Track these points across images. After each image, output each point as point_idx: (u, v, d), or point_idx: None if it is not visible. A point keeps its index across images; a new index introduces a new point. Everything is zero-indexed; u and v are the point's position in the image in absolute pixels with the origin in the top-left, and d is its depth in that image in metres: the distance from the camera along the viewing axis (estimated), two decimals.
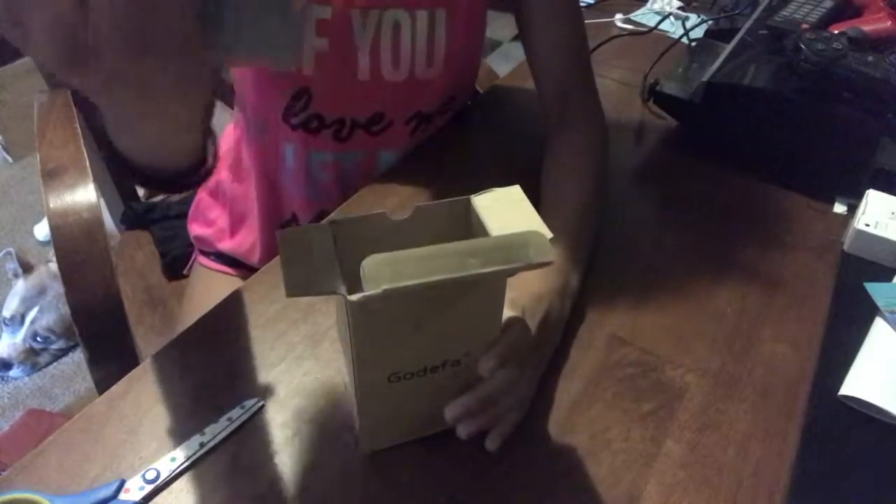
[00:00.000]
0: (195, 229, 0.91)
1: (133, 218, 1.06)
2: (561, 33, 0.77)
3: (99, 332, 0.71)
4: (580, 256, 0.64)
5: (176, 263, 0.98)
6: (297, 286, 0.40)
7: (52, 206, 0.71)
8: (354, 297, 0.38)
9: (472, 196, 0.47)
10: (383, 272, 0.37)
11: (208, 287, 0.87)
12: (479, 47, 0.83)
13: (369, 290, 0.37)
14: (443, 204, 0.48)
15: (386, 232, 0.47)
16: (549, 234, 0.42)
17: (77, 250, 0.70)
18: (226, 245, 0.87)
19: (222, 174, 0.88)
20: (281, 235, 0.42)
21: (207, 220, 0.90)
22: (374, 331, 0.42)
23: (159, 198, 1.12)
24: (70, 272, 0.69)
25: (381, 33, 0.70)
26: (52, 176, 0.75)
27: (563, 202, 0.68)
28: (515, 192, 0.47)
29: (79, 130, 0.82)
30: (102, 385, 0.56)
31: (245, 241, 0.86)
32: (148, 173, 0.44)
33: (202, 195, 0.92)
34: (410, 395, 0.47)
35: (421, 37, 0.72)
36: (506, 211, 0.46)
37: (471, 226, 0.48)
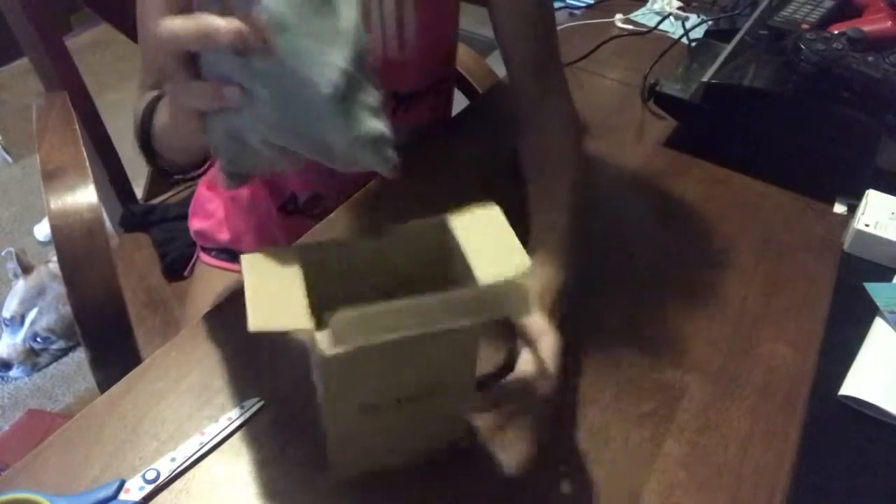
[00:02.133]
0: (195, 224, 0.91)
1: (131, 220, 1.06)
2: (528, 11, 0.76)
3: (101, 333, 0.71)
4: (574, 246, 0.64)
5: (176, 265, 0.98)
6: (262, 319, 0.37)
7: (53, 207, 0.71)
8: (327, 352, 0.37)
9: (448, 216, 0.46)
10: (353, 330, 0.36)
11: (211, 285, 0.87)
12: (452, 25, 0.84)
13: (339, 349, 0.36)
14: (418, 225, 0.46)
15: (360, 255, 0.46)
16: (526, 261, 0.41)
17: (78, 251, 0.70)
18: (224, 235, 0.88)
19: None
20: (246, 260, 0.41)
21: (207, 212, 0.91)
22: (346, 373, 0.41)
23: (158, 200, 1.12)
24: (72, 273, 0.69)
25: None
26: (53, 177, 0.75)
27: (556, 191, 0.67)
28: (494, 212, 0.46)
29: (78, 132, 0.82)
30: (105, 385, 0.56)
31: (237, 227, 0.87)
32: (173, 169, 0.60)
33: (201, 189, 0.92)
34: (382, 427, 0.46)
35: (390, 20, 0.73)
36: (483, 232, 0.45)
37: (449, 246, 0.46)
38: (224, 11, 0.38)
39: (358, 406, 0.43)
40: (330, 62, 0.39)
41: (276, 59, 0.38)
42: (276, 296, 0.39)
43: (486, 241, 0.44)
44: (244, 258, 0.41)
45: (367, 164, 0.41)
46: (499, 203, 0.47)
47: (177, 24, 0.39)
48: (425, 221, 0.46)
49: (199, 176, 0.63)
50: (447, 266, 0.46)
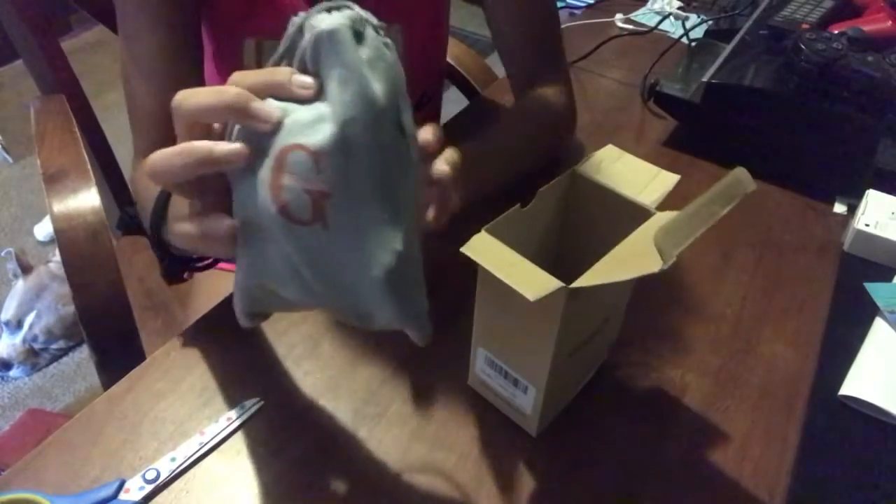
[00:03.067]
0: None
1: (130, 223, 1.06)
2: (525, 16, 0.76)
3: (107, 335, 0.71)
4: (499, 166, 0.66)
5: (175, 267, 0.97)
6: (534, 288, 0.39)
7: (56, 210, 0.71)
8: (663, 266, 0.38)
9: (575, 168, 0.51)
10: (669, 241, 0.39)
11: (210, 286, 0.87)
12: (441, 56, 0.83)
13: (670, 259, 0.37)
14: (557, 183, 0.51)
15: (520, 221, 0.48)
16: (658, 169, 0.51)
17: (83, 253, 0.70)
18: None
19: None
20: (469, 251, 0.41)
21: None
22: (576, 309, 0.43)
23: None
24: (76, 276, 0.69)
25: None
26: (55, 180, 0.75)
27: (504, 123, 0.70)
28: (612, 150, 0.52)
29: (78, 135, 0.82)
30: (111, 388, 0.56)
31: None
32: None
33: None
34: (574, 365, 0.50)
35: None
36: (617, 169, 0.50)
37: (578, 196, 0.52)
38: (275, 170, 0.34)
39: (570, 350, 0.47)
40: (386, 243, 0.36)
41: (327, 232, 0.35)
42: (516, 269, 0.41)
43: (626, 173, 0.51)
44: (472, 252, 0.41)
45: (405, 330, 0.40)
46: (498, 202, 0.47)
47: (221, 151, 0.34)
48: (556, 180, 0.51)
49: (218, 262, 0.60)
50: (579, 215, 0.53)
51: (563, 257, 0.55)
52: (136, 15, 0.60)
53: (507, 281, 0.39)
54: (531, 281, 0.40)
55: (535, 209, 0.49)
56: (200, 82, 0.65)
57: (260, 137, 0.35)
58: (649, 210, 0.48)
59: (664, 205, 0.49)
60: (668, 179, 0.52)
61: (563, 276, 0.41)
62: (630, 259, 0.41)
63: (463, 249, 0.41)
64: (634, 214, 0.47)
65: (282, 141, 0.34)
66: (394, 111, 0.36)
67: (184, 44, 0.63)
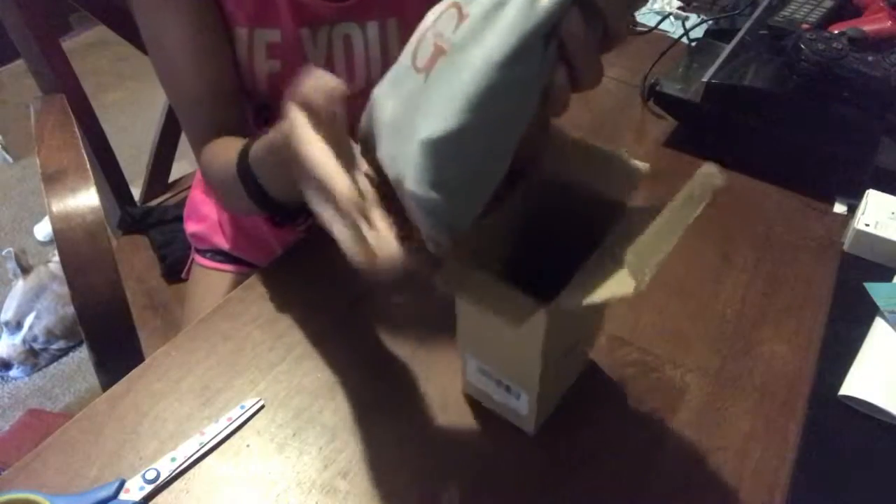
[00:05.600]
0: (190, 226, 0.92)
1: (130, 223, 1.06)
2: None
3: (106, 335, 0.71)
4: None
5: (175, 266, 0.98)
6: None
7: (54, 210, 0.71)
8: (636, 288, 0.38)
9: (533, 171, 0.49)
10: (642, 262, 0.38)
11: (208, 287, 0.87)
12: None
13: (642, 279, 0.37)
14: (518, 188, 0.49)
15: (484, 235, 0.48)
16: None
17: (81, 253, 0.70)
18: (219, 238, 0.88)
19: None
20: (452, 287, 0.41)
21: (200, 215, 0.91)
22: (561, 324, 0.44)
23: (156, 202, 1.12)
24: (75, 275, 0.69)
25: (333, 48, 0.70)
26: (54, 180, 0.75)
27: None
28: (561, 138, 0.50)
29: (77, 134, 0.82)
30: (109, 388, 0.56)
31: (231, 232, 0.87)
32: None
33: (195, 192, 0.93)
34: (566, 366, 0.52)
35: (374, 48, 0.71)
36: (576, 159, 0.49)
37: (540, 196, 0.50)
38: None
39: (564, 348, 0.48)
40: (451, 115, 0.37)
41: (424, 84, 0.38)
42: (492, 292, 0.41)
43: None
44: (450, 287, 0.41)
45: (419, 225, 0.40)
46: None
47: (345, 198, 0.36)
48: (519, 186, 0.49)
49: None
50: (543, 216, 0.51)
51: (526, 259, 0.52)
52: (156, 12, 0.63)
53: (491, 312, 0.39)
54: (511, 305, 0.39)
55: (497, 220, 0.48)
56: (229, 51, 0.67)
57: None
58: (622, 203, 0.48)
59: (639, 197, 0.49)
60: (634, 170, 0.51)
61: (532, 277, 0.41)
62: (605, 279, 0.39)
63: (439, 286, 0.41)
64: (605, 210, 0.47)
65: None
66: (552, 22, 0.36)
67: (205, 16, 0.64)
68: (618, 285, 0.38)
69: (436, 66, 0.37)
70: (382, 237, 0.36)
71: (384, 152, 0.41)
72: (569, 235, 0.46)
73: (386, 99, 0.41)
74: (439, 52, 0.37)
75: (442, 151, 0.37)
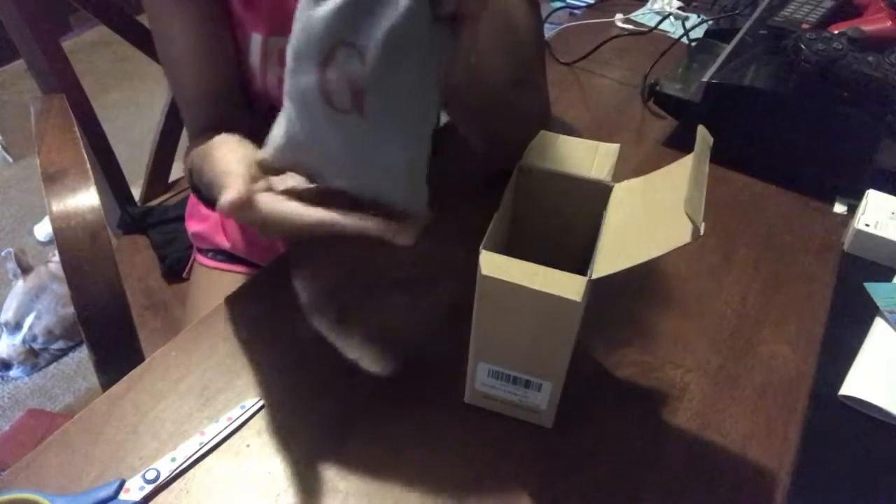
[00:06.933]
0: (192, 226, 0.92)
1: (130, 223, 1.06)
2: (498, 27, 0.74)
3: (105, 335, 0.71)
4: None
5: (175, 266, 0.98)
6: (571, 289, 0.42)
7: (54, 209, 0.71)
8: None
9: (520, 163, 0.51)
10: (695, 209, 0.39)
11: (209, 287, 0.87)
12: None
13: (698, 226, 0.38)
14: (510, 182, 0.51)
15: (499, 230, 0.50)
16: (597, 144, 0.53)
17: (81, 253, 0.70)
18: (221, 238, 0.88)
19: None
20: (486, 271, 0.44)
21: (202, 215, 0.91)
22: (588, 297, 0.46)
23: (156, 202, 1.12)
24: (75, 275, 0.69)
25: None
26: (54, 179, 0.75)
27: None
28: (546, 135, 0.53)
29: (77, 134, 0.82)
30: (109, 388, 0.56)
31: (232, 231, 0.87)
32: None
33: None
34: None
35: None
36: (559, 153, 0.52)
37: (527, 189, 0.52)
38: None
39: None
40: (415, 133, 0.44)
41: (364, 120, 0.42)
42: (539, 277, 0.43)
43: (568, 155, 0.52)
44: (495, 272, 0.43)
45: (405, 212, 0.45)
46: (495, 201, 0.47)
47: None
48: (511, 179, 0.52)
49: None
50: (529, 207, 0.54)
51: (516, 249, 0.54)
52: (162, 8, 0.64)
53: (545, 290, 0.42)
54: (560, 283, 0.42)
55: (501, 213, 0.50)
56: (232, 55, 0.69)
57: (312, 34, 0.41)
58: (607, 184, 0.50)
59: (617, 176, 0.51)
60: (611, 150, 0.53)
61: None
62: (650, 235, 0.42)
63: (485, 273, 0.43)
64: (591, 192, 0.50)
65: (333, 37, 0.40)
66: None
67: (211, 23, 0.66)
68: (673, 236, 0.39)
69: (365, 105, 0.41)
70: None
71: (344, 182, 0.45)
72: (555, 225, 0.48)
73: (323, 137, 0.44)
74: (360, 91, 0.41)
75: (417, 168, 0.45)
